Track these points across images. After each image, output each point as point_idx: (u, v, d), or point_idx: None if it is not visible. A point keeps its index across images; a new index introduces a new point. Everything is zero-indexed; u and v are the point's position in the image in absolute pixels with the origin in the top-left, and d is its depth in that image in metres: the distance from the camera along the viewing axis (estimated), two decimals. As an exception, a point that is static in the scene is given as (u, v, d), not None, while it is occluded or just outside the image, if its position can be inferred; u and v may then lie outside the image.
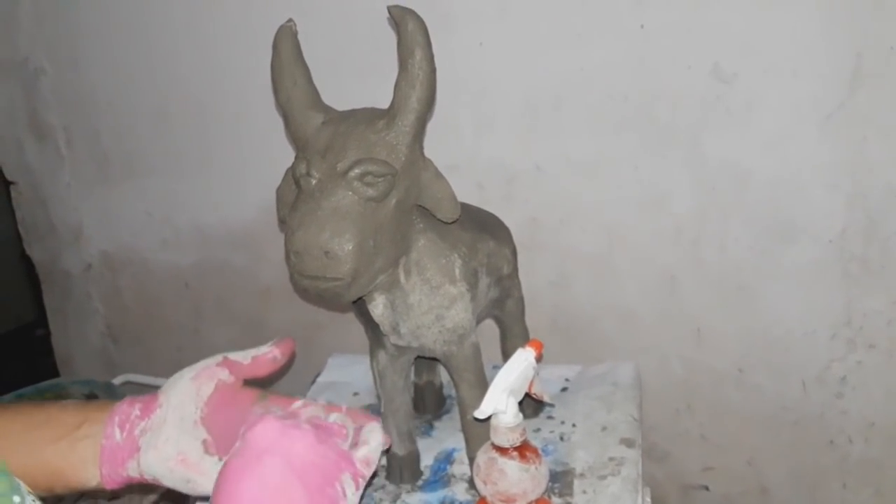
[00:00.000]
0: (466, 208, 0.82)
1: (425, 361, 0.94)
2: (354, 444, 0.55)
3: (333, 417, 0.56)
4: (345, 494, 0.51)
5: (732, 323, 1.19)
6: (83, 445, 0.55)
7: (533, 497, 0.66)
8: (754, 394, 1.21)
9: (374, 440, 0.56)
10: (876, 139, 1.05)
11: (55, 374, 1.70)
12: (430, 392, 0.95)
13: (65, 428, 0.56)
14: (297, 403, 0.60)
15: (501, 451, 0.65)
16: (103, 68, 1.43)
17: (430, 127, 1.10)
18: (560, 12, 1.12)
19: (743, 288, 1.16)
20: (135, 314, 1.60)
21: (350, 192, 0.61)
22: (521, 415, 0.66)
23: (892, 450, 1.16)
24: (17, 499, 0.45)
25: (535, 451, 0.67)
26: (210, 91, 1.35)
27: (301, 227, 0.61)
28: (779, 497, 1.25)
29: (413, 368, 0.95)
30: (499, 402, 0.64)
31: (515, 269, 0.89)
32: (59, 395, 1.29)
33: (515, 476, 0.65)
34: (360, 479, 0.53)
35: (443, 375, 0.97)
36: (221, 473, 0.50)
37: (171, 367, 1.65)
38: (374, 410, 0.95)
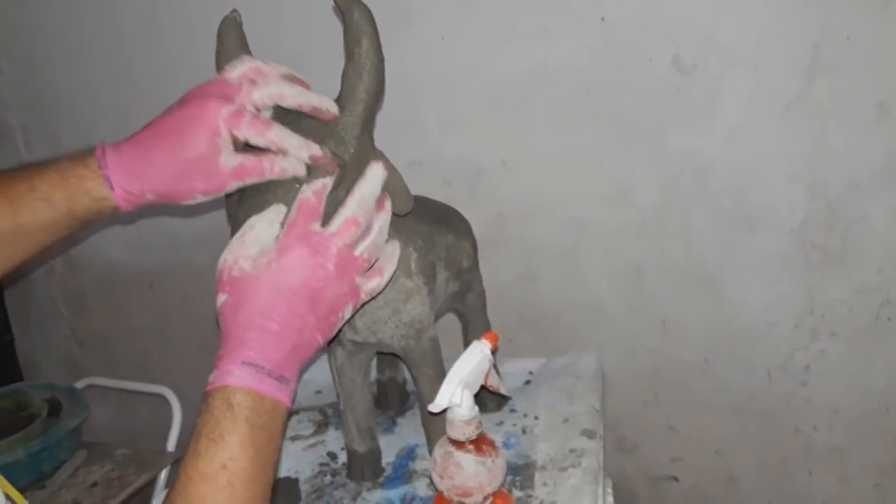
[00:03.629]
0: (424, 201, 0.81)
1: (387, 357, 0.93)
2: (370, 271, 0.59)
3: (361, 249, 0.58)
4: (343, 317, 0.58)
5: (697, 314, 1.19)
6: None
7: (489, 490, 0.65)
8: (720, 384, 1.21)
9: (387, 271, 0.60)
10: (834, 129, 1.06)
11: (19, 378, 1.67)
12: (393, 388, 0.94)
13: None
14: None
15: (457, 444, 0.65)
16: (62, 68, 1.41)
17: (394, 122, 1.10)
18: (521, 6, 1.12)
19: (707, 279, 1.17)
20: (99, 317, 1.57)
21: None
22: (476, 408, 0.65)
23: (855, 436, 1.18)
24: None
25: (491, 443, 0.66)
26: (170, 90, 1.31)
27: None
28: (747, 485, 1.26)
29: (375, 365, 0.95)
30: (453, 396, 0.64)
31: (476, 263, 0.88)
32: (20, 401, 1.27)
33: (472, 469, 0.64)
34: (359, 304, 0.59)
35: (406, 371, 0.96)
36: (251, 283, 0.54)
37: (137, 369, 1.64)
38: (335, 408, 0.95)
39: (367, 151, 0.64)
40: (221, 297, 0.55)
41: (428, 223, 0.77)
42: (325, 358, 1.03)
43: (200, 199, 0.62)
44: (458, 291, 0.85)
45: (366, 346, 0.76)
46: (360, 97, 0.62)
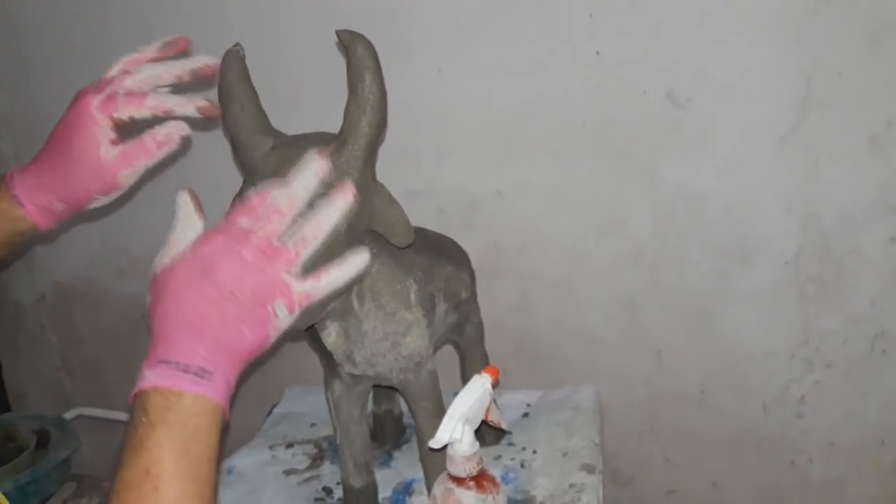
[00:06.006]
0: (423, 233, 0.81)
1: (384, 390, 0.92)
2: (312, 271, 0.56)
3: (285, 239, 0.55)
4: (277, 315, 0.54)
5: (693, 345, 1.19)
6: None
7: (490, 527, 0.64)
8: (716, 416, 1.21)
9: (325, 276, 0.56)
10: (828, 161, 1.07)
11: (6, 409, 1.64)
12: (390, 421, 0.94)
13: None
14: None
15: (458, 481, 0.64)
16: (56, 95, 1.39)
17: (390, 152, 1.10)
18: (517, 39, 1.13)
19: (702, 311, 1.17)
20: (90, 346, 1.56)
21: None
22: (477, 443, 0.65)
23: (851, 469, 1.17)
24: None
25: (492, 480, 0.65)
26: (166, 118, 1.33)
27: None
28: (743, 519, 1.25)
29: (371, 397, 0.94)
30: (454, 431, 0.63)
31: (474, 294, 0.88)
32: (7, 431, 1.24)
33: (472, 506, 0.63)
34: (296, 307, 0.55)
35: (402, 404, 0.95)
36: (168, 278, 0.53)
37: (127, 399, 1.61)
38: (331, 441, 0.94)
39: (368, 184, 0.64)
40: (148, 299, 0.55)
41: (427, 255, 0.77)
42: (318, 391, 1.02)
43: (102, 200, 0.66)
44: (456, 323, 0.85)
45: (364, 379, 0.76)
46: (363, 131, 0.62)
